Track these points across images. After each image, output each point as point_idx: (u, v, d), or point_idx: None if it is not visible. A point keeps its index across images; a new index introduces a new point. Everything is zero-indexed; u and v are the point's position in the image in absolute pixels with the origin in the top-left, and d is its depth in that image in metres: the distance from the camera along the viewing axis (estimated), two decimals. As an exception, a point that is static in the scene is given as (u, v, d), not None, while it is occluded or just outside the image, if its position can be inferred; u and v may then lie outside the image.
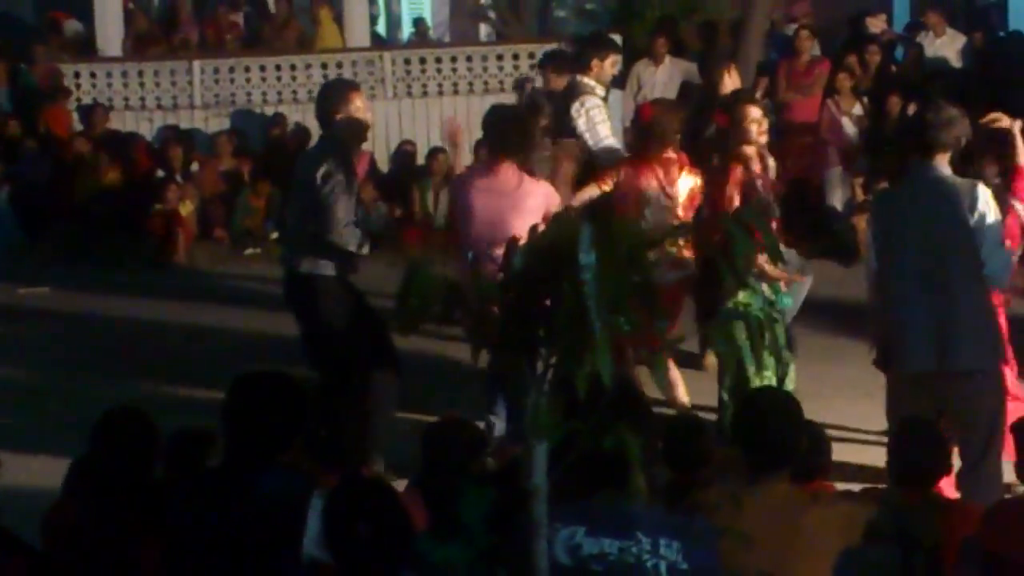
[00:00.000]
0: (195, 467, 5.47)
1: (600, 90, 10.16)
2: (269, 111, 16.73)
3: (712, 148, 9.23)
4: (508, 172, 8.24)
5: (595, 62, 10.23)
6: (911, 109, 14.74)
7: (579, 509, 4.52)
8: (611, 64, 10.37)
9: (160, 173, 15.39)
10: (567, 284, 3.96)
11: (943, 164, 6.81)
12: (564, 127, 10.09)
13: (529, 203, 8.09)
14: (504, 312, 4.12)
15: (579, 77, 10.25)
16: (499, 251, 7.49)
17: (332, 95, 8.34)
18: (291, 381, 4.84)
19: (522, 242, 4.21)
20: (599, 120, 10.02)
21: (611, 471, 4.43)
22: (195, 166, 15.73)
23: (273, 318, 11.95)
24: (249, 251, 14.63)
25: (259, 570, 4.58)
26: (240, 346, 10.83)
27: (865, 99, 15.12)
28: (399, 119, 16.69)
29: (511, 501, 4.37)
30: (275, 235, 14.76)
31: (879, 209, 7.30)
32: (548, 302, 4.07)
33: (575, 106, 10.03)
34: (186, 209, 14.86)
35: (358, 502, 4.27)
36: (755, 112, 8.60)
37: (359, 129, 8.24)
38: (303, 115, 16.59)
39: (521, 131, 8.37)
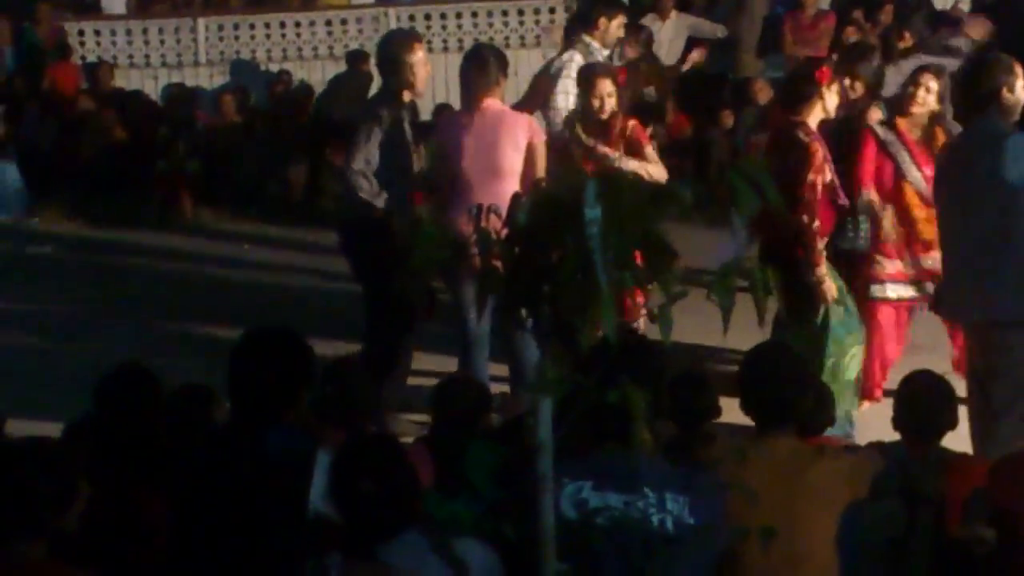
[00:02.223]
0: (196, 424, 5.47)
1: (602, 52, 10.09)
2: (274, 68, 16.69)
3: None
4: (489, 107, 8.24)
5: (602, 21, 10.18)
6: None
7: (586, 464, 4.53)
8: (617, 25, 10.31)
9: (165, 131, 15.35)
10: (572, 239, 3.95)
11: (993, 115, 6.79)
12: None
13: (515, 134, 8.12)
14: (508, 267, 4.11)
15: (583, 35, 10.20)
16: (490, 190, 7.62)
17: (395, 44, 8.37)
18: (297, 338, 4.84)
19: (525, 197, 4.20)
20: (563, 88, 9.95)
21: (616, 425, 4.44)
22: (200, 124, 15.70)
23: (278, 274, 11.99)
24: (253, 209, 14.60)
25: (265, 527, 4.59)
26: (246, 303, 10.83)
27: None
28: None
29: (517, 457, 4.38)
30: (272, 188, 14.79)
31: (937, 161, 7.42)
32: (553, 257, 4.07)
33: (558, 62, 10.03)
34: (192, 167, 14.84)
35: (365, 458, 4.27)
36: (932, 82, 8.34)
37: (413, 79, 8.27)
38: (308, 72, 16.59)
39: (496, 66, 8.36)
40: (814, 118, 7.75)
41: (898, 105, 8.62)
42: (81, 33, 16.92)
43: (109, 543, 4.62)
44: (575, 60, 9.91)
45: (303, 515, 4.47)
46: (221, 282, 11.85)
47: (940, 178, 7.14)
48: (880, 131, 8.45)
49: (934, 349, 8.83)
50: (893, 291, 8.46)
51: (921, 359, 8.03)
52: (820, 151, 7.58)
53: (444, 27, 16.94)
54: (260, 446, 4.65)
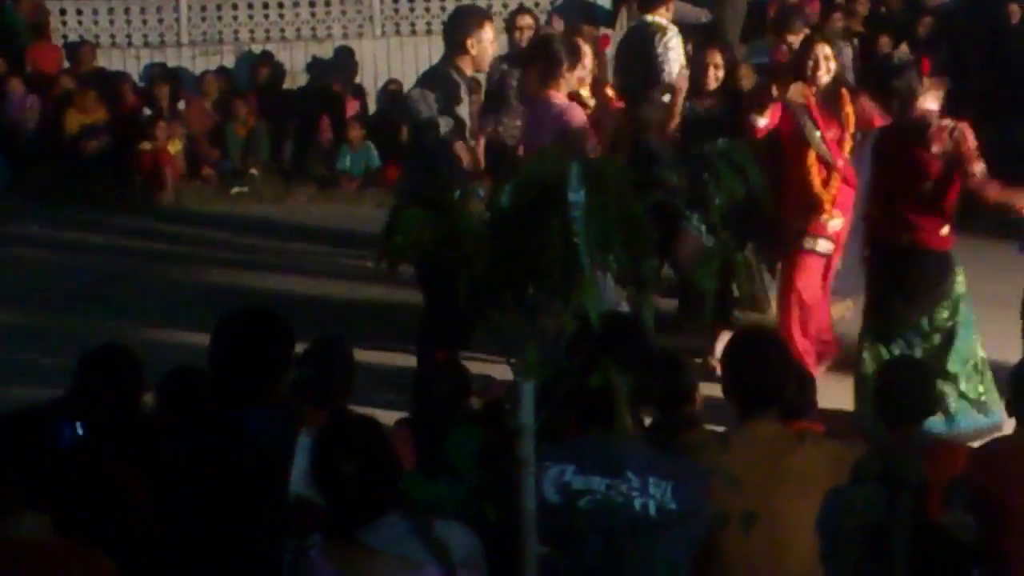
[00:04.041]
0: (189, 406, 5.44)
1: (672, 28, 10.22)
2: (256, 49, 16.64)
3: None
4: (548, 98, 8.27)
5: (670, 3, 10.32)
6: (901, 50, 14.75)
7: (570, 447, 4.52)
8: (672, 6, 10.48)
9: (147, 112, 15.31)
10: (556, 221, 3.94)
11: None
12: (636, 66, 10.07)
13: (557, 123, 8.16)
14: (492, 250, 4.10)
15: (650, 17, 10.25)
16: None
17: (464, 22, 8.36)
18: (278, 318, 4.83)
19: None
20: (674, 58, 10.04)
21: (598, 409, 4.44)
22: (182, 104, 15.66)
23: (258, 256, 11.97)
24: (236, 189, 14.59)
25: (246, 508, 4.58)
26: (227, 284, 10.81)
27: (855, 41, 15.06)
28: (387, 58, 16.60)
29: (499, 440, 4.37)
30: (253, 171, 14.78)
31: None
32: (536, 240, 4.05)
33: (660, 42, 10.04)
34: (174, 148, 14.80)
35: (346, 440, 4.26)
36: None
37: (481, 60, 8.37)
38: (290, 53, 16.53)
39: (561, 57, 8.38)
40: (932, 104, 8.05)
41: (799, 73, 8.75)
42: (63, 12, 16.83)
43: (91, 523, 4.60)
44: (669, 41, 10.00)
45: (284, 496, 4.46)
46: (204, 262, 11.82)
47: None
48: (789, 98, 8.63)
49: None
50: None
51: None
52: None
53: (427, 9, 16.88)
54: (241, 427, 4.63)
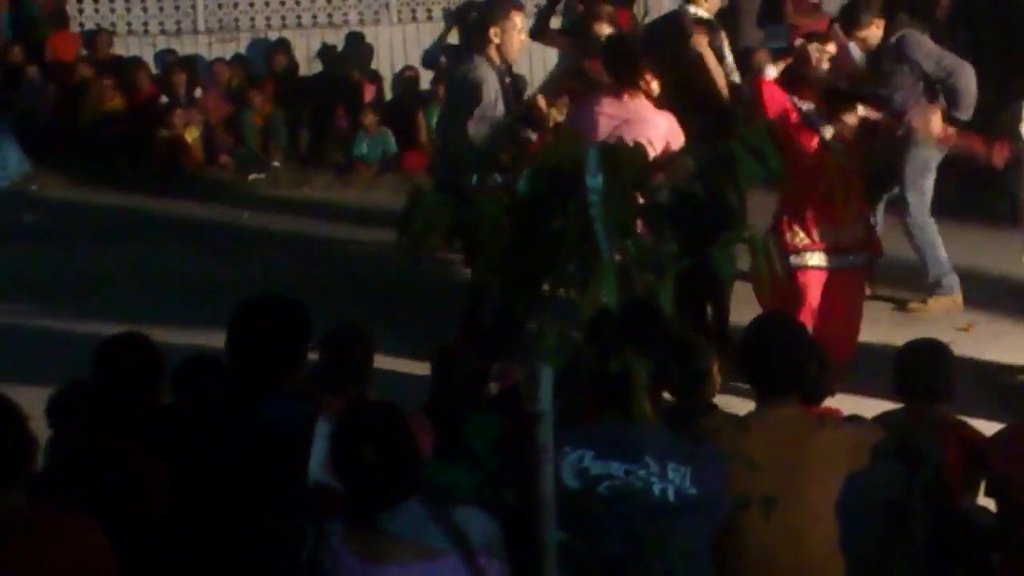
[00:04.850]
0: (205, 394, 5.45)
1: (715, 23, 10.16)
2: (273, 36, 16.63)
3: None
4: (634, 96, 8.23)
5: None
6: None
7: (588, 433, 4.53)
8: None
9: (164, 99, 15.32)
10: (573, 207, 3.94)
11: None
12: (667, 66, 10.01)
13: (652, 132, 7.95)
14: (510, 236, 4.10)
15: (692, 8, 10.18)
16: None
17: (491, 10, 8.32)
18: (295, 306, 4.83)
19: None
20: (731, 60, 10.00)
21: (617, 395, 4.43)
22: (198, 92, 15.65)
23: (276, 243, 11.98)
24: (253, 176, 14.59)
25: (265, 496, 4.59)
26: (244, 272, 10.82)
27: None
28: (404, 44, 16.60)
29: (517, 425, 4.37)
30: (276, 164, 14.80)
31: None
32: (554, 225, 4.05)
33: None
34: (191, 135, 14.81)
35: (366, 426, 4.26)
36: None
37: (508, 49, 8.29)
38: (307, 40, 16.52)
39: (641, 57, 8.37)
40: None
41: (801, 75, 8.47)
42: (80, 0, 16.85)
43: (110, 510, 4.61)
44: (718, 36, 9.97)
45: (303, 483, 4.46)
46: (222, 249, 11.82)
47: None
48: (796, 101, 8.36)
49: (936, 319, 8.85)
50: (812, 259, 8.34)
51: (923, 328, 8.03)
52: None
53: (444, -5, 16.90)
54: (259, 415, 4.64)
